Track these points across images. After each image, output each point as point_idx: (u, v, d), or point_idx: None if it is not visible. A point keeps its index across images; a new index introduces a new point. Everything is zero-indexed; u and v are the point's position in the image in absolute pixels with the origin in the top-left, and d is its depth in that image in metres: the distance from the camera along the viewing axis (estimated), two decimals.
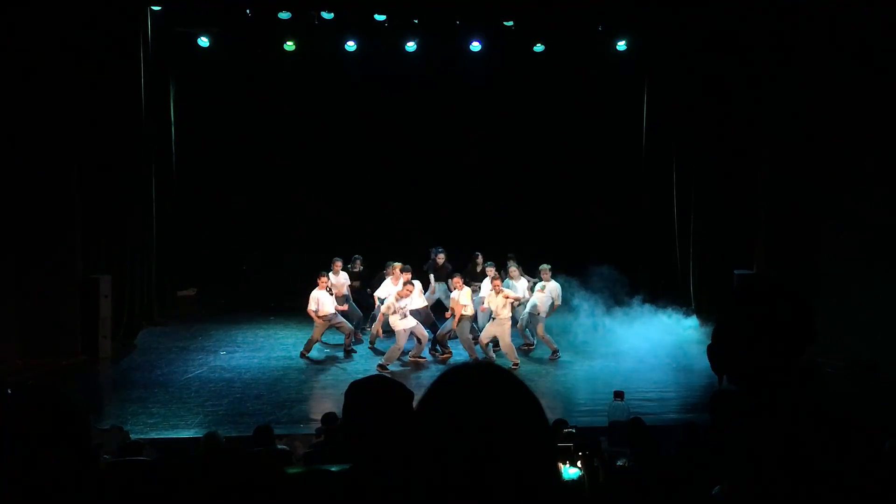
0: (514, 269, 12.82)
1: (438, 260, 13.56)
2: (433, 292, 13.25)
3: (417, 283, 12.32)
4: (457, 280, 12.08)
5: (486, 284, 12.54)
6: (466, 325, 11.98)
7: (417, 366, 11.75)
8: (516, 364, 11.56)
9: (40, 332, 11.43)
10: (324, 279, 12.36)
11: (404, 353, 12.00)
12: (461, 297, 11.82)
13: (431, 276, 13.44)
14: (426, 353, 12.13)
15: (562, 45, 15.34)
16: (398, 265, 12.41)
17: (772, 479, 1.92)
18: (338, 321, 12.38)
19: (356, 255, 14.00)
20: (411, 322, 11.72)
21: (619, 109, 15.96)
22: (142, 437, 7.96)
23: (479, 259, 13.48)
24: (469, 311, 11.89)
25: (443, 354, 12.16)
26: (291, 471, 2.80)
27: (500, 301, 11.65)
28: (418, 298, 12.26)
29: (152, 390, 10.43)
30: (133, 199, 13.16)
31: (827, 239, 12.28)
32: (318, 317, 12.14)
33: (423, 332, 11.91)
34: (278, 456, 6.32)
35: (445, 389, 1.35)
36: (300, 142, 16.24)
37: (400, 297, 11.68)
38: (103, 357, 12.02)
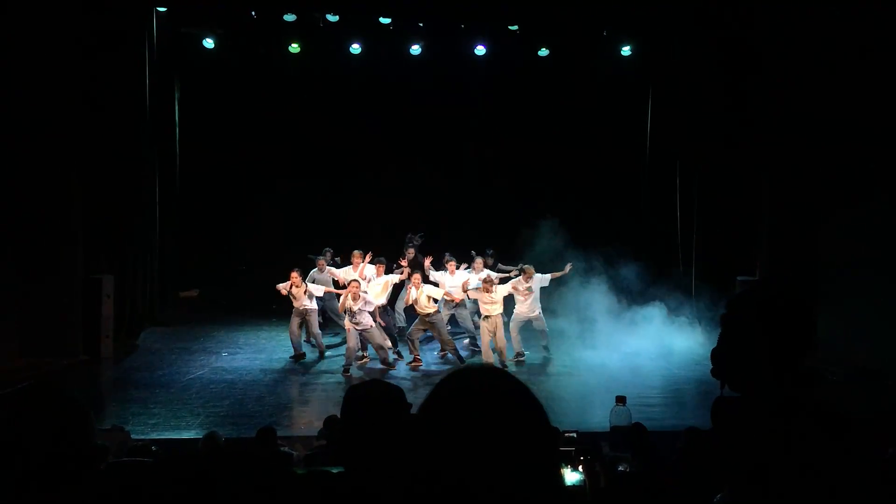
0: (479, 261, 12.69)
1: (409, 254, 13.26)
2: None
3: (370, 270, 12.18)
4: (451, 264, 12.28)
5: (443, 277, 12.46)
6: (443, 320, 11.95)
7: (384, 371, 11.41)
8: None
9: (42, 331, 11.45)
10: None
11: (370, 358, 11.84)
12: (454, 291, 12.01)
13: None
14: (403, 356, 11.98)
15: (566, 50, 15.36)
16: (359, 252, 12.34)
17: (773, 486, 1.91)
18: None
19: (326, 248, 13.56)
20: (367, 320, 11.28)
21: (623, 114, 15.99)
22: (143, 437, 7.96)
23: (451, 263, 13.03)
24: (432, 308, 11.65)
25: (414, 361, 11.71)
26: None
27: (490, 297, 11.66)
28: (379, 293, 12.00)
29: (153, 391, 10.43)
30: (136, 199, 13.18)
31: (829, 245, 12.26)
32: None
33: (378, 340, 11.41)
34: (279, 458, 6.31)
35: (449, 392, 1.35)
36: (304, 143, 16.25)
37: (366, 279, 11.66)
38: (105, 357, 12.04)
